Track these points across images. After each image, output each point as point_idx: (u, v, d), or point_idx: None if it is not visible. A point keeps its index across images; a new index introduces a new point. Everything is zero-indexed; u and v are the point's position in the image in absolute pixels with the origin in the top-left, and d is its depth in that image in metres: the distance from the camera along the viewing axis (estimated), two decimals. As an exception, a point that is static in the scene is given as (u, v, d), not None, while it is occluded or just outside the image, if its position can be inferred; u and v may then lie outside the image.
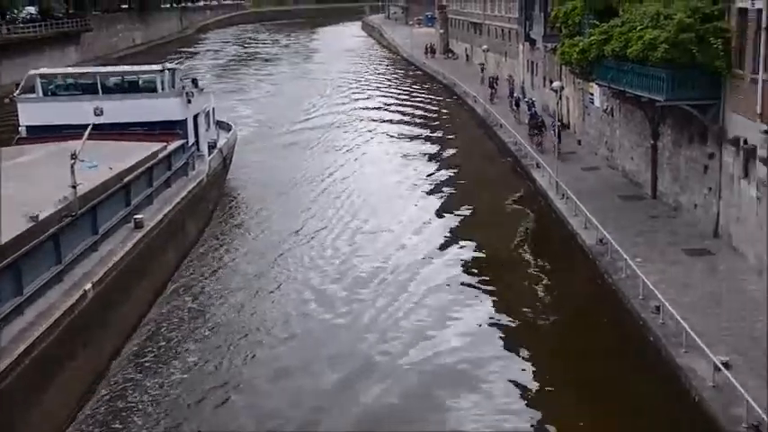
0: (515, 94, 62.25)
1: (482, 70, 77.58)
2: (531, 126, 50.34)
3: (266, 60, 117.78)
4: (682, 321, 24.37)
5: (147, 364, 26.35)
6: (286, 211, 41.90)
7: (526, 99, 56.30)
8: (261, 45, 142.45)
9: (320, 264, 34.40)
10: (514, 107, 59.72)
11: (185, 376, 25.46)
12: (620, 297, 28.48)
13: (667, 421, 22.37)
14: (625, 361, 25.32)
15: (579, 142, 46.94)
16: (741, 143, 29.00)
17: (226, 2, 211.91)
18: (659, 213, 35.57)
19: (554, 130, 45.50)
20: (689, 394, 22.40)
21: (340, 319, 29.28)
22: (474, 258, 34.55)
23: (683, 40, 30.33)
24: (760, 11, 26.45)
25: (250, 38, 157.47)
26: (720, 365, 21.86)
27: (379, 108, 72.92)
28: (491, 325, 28.59)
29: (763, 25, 25.66)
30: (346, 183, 47.08)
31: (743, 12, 28.87)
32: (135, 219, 30.39)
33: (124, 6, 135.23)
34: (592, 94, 46.07)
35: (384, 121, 66.41)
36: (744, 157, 28.94)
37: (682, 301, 26.52)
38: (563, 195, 38.74)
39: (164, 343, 27.68)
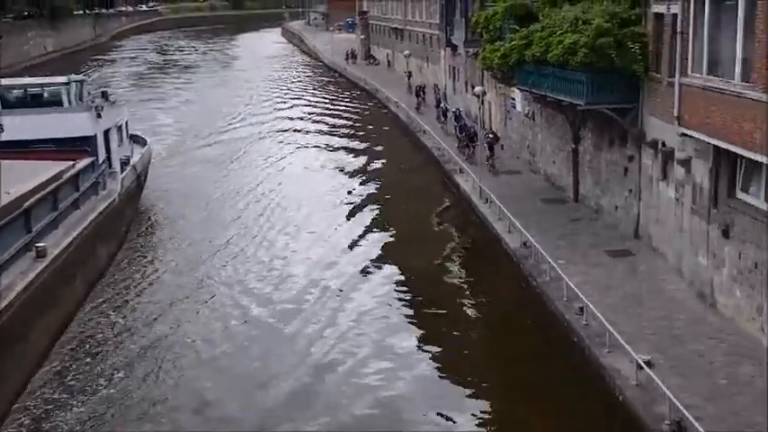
0: (442, 104, 60.98)
1: (408, 77, 76.47)
2: (460, 138, 49.03)
3: (186, 68, 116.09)
4: (605, 322, 24.38)
5: (48, 406, 23.91)
6: (206, 228, 39.55)
7: (453, 110, 55.42)
8: (179, 52, 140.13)
9: (243, 283, 32.61)
10: (442, 117, 58.56)
11: (88, 415, 23.36)
12: (544, 300, 28.41)
13: (603, 421, 22.24)
14: (554, 362, 25.12)
15: (502, 147, 46.89)
16: (659, 146, 29.07)
17: (141, 8, 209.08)
18: (581, 216, 35.44)
19: (486, 144, 44.73)
20: (614, 393, 22.37)
21: (263, 338, 27.91)
22: (401, 268, 33.69)
23: (601, 45, 30.43)
24: (675, 15, 26.66)
25: (168, 45, 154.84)
26: (642, 364, 21.85)
27: (301, 117, 71.71)
28: (422, 335, 27.97)
29: (678, 30, 25.90)
30: (269, 198, 44.98)
31: (659, 17, 28.96)
32: (37, 247, 27.67)
33: (34, 12, 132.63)
34: (513, 99, 45.95)
35: (308, 132, 65.10)
36: (662, 159, 28.94)
37: (604, 301, 26.40)
38: (487, 200, 38.65)
39: (70, 379, 25.37)
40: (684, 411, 19.76)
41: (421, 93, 67.98)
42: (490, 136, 45.77)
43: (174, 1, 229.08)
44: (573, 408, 22.80)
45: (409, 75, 76.85)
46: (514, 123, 46.56)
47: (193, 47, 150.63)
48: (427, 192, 45.31)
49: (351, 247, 36.69)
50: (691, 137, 25.00)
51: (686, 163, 26.61)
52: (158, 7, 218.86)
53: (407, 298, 30.86)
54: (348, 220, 40.91)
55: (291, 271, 33.73)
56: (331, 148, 58.86)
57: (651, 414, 20.57)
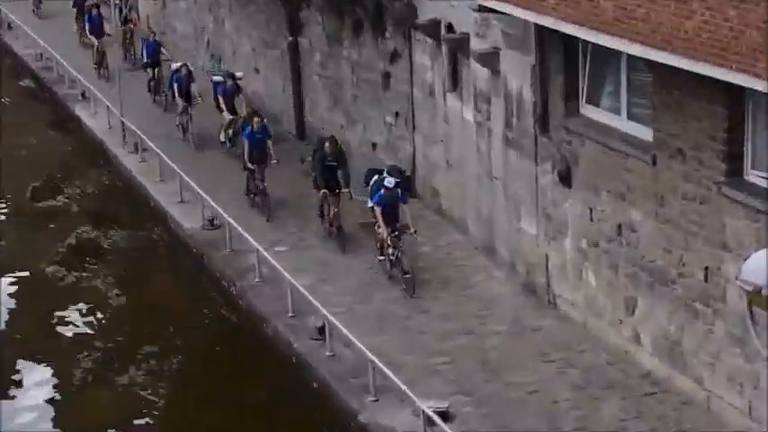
0: None
1: None
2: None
3: None
4: (366, 351, 14.52)
5: None
6: None
7: None
8: None
9: None
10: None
11: None
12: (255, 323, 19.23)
13: None
14: None
15: (161, 48, 33.33)
16: (442, 32, 21.78)
17: None
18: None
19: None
20: None
21: None
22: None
23: None
24: None
25: None
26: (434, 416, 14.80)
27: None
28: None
29: None
30: None
31: None
32: None
33: None
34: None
35: None
36: (448, 55, 21.71)
37: (359, 317, 18.79)
38: (136, 147, 27.03)
39: None
40: None
41: None
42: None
43: None
44: None
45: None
46: (180, 3, 34.80)
47: None
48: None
49: None
50: (496, 12, 18.34)
51: (491, 59, 19.53)
52: None
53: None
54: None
55: None
56: None
57: None
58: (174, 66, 27.20)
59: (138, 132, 25.93)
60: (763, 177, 13.63)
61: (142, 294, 21.74)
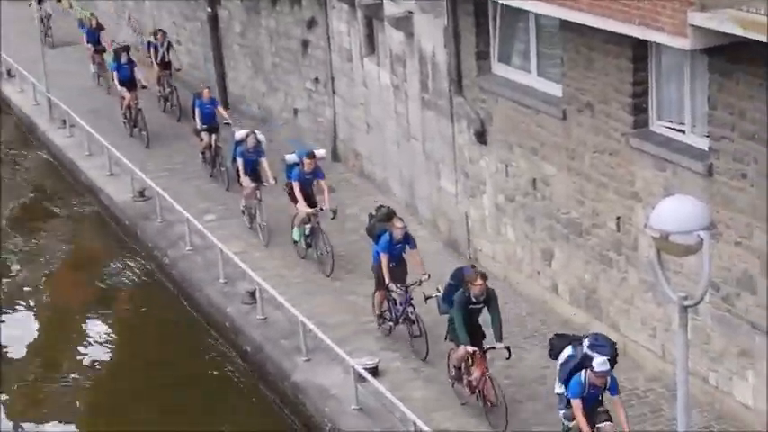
0: None
1: None
2: None
3: None
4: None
5: None
6: None
7: None
8: None
9: None
10: None
11: None
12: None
13: None
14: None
15: (81, 23, 32.23)
16: None
17: None
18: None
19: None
20: None
21: None
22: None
23: None
24: None
25: None
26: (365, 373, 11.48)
27: None
28: None
29: None
30: None
31: None
32: None
33: None
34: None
35: None
36: (364, 20, 21.47)
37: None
38: (65, 122, 26.44)
39: None
40: None
41: None
42: None
43: None
44: None
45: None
46: None
47: None
48: None
49: None
50: None
51: (405, 23, 19.37)
52: None
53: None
54: None
55: None
56: None
57: None
58: (239, 135, 19.82)
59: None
60: (667, 128, 13.91)
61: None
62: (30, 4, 29.95)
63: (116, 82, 25.16)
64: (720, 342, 13.15)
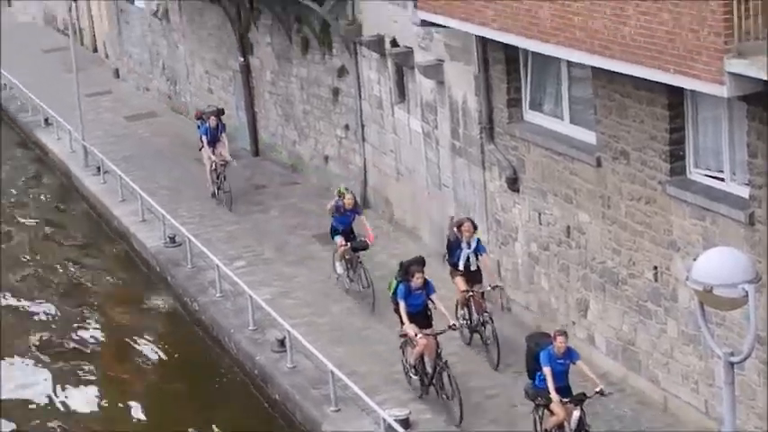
0: None
1: None
2: None
3: None
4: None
5: None
6: None
7: None
8: None
9: None
10: None
11: None
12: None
13: None
14: None
15: (117, 72, 35.37)
16: (387, 46, 21.52)
17: None
18: (268, 181, 27.24)
19: None
20: None
21: None
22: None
23: None
24: None
25: None
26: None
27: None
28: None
29: None
30: None
31: None
32: None
33: None
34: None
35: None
36: (394, 68, 21.71)
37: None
38: (99, 169, 27.26)
39: None
40: None
41: None
42: None
43: None
44: None
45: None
46: (135, 30, 34.84)
47: None
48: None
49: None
50: (438, 26, 17.96)
51: (435, 71, 19.42)
52: None
53: None
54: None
55: None
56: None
57: None
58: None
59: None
60: (705, 175, 13.69)
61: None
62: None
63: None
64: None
